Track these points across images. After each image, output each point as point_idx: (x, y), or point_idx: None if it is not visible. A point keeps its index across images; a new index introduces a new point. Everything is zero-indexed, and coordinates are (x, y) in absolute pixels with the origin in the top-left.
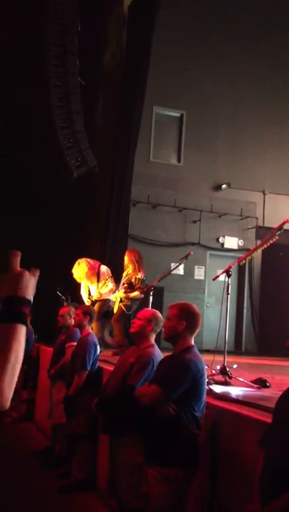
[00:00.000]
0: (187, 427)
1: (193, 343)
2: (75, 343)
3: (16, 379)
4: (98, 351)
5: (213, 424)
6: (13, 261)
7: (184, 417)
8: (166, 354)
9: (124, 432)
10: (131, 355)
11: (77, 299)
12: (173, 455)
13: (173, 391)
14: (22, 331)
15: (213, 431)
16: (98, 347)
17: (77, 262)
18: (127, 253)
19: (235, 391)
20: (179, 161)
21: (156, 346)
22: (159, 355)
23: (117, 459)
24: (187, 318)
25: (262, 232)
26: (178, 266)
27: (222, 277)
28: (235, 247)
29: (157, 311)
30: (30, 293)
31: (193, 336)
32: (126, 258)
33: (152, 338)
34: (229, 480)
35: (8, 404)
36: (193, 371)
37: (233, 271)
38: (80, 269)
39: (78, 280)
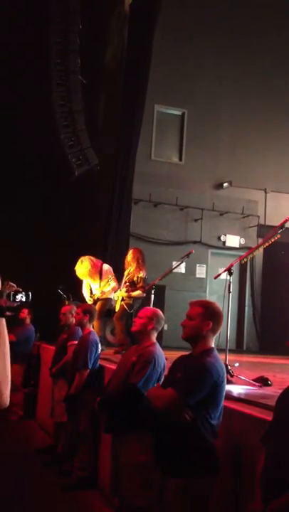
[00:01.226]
0: (203, 436)
1: (213, 344)
2: (76, 342)
3: (9, 373)
4: (100, 350)
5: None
6: None
7: (200, 425)
8: (167, 352)
9: (126, 431)
10: (133, 354)
11: (78, 297)
12: (188, 465)
13: (191, 397)
14: (2, 324)
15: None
16: (100, 345)
17: (80, 260)
18: (131, 251)
19: (236, 389)
20: (180, 159)
21: (157, 345)
22: (160, 353)
23: (119, 458)
24: (213, 318)
25: (263, 230)
26: (179, 264)
27: (223, 276)
28: (237, 246)
29: (158, 310)
30: (2, 286)
31: (215, 336)
32: (129, 256)
33: (154, 337)
34: (232, 478)
35: (7, 401)
36: (214, 376)
37: (235, 269)
38: (83, 267)
39: (81, 277)
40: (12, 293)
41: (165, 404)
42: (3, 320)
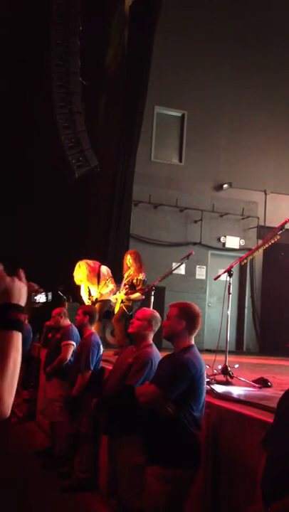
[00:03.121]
0: (186, 427)
1: (193, 342)
2: (71, 341)
3: (15, 386)
4: (101, 351)
5: (214, 424)
6: (1, 269)
7: (182, 418)
8: (166, 354)
9: (124, 433)
10: (129, 355)
11: (78, 299)
12: (172, 455)
13: (171, 391)
14: (18, 338)
15: (215, 430)
16: (101, 347)
17: (77, 265)
18: (129, 254)
19: (236, 391)
20: (180, 160)
21: (154, 346)
22: (157, 355)
23: (117, 459)
24: (187, 318)
25: (263, 231)
26: (179, 266)
27: (223, 277)
28: (237, 247)
29: (156, 311)
30: (23, 300)
31: (193, 336)
32: (128, 260)
33: (150, 338)
34: (231, 480)
35: (9, 411)
36: (191, 371)
37: (235, 270)
38: (80, 272)
39: (79, 283)
40: (32, 293)
41: (148, 399)
42: (20, 335)
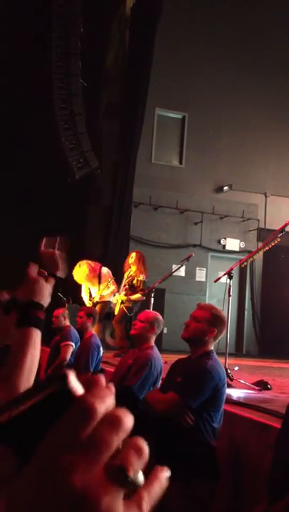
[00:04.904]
0: (206, 439)
1: (212, 348)
2: (70, 342)
3: (31, 383)
4: (101, 353)
5: (240, 438)
6: (30, 268)
7: (202, 428)
8: (166, 356)
9: None
10: (130, 357)
11: (78, 300)
12: (190, 468)
13: (193, 400)
14: (38, 336)
15: (238, 443)
16: (101, 348)
17: (78, 264)
18: (134, 254)
19: (236, 393)
20: (180, 162)
21: (155, 348)
22: (157, 356)
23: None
24: (219, 326)
25: (263, 234)
26: (179, 268)
27: (223, 279)
28: (237, 249)
29: (158, 314)
30: (45, 299)
31: (214, 343)
32: (131, 259)
33: (152, 340)
34: (232, 481)
35: None
36: (215, 379)
37: (235, 273)
38: (80, 271)
39: (79, 282)
40: None
41: (167, 408)
42: (39, 332)
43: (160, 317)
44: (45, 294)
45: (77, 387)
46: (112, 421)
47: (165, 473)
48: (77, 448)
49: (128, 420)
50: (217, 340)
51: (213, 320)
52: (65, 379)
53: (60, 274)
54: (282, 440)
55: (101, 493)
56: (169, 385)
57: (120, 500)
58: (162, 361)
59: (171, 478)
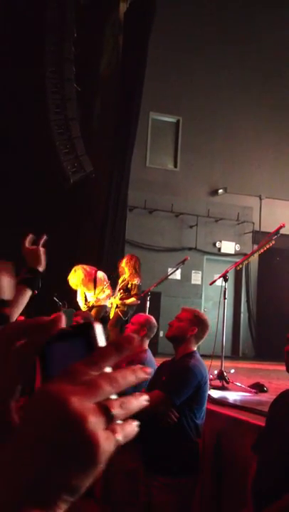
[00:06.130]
0: (188, 435)
1: (195, 348)
2: None
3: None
4: None
5: (219, 433)
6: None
7: (185, 425)
8: (162, 359)
9: None
10: (123, 361)
11: (74, 304)
12: (175, 464)
13: (177, 397)
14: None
15: (218, 438)
16: None
17: (73, 269)
18: (126, 257)
19: (232, 396)
20: (175, 166)
21: (149, 351)
22: (151, 360)
23: (109, 465)
24: (200, 325)
25: (258, 236)
26: (175, 271)
27: (219, 282)
28: (232, 252)
29: (151, 317)
30: (7, 293)
31: (197, 345)
32: (124, 262)
33: (146, 344)
34: (230, 484)
35: None
36: (197, 377)
37: (230, 275)
38: (76, 276)
39: (74, 287)
40: None
41: (152, 406)
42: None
43: (153, 320)
44: (8, 288)
45: (100, 337)
46: (113, 378)
47: (143, 397)
48: (80, 383)
49: (127, 382)
50: (200, 342)
51: (194, 320)
52: (91, 327)
53: (42, 268)
54: (265, 441)
55: (89, 415)
56: (155, 385)
57: (102, 425)
58: (156, 365)
59: (156, 473)
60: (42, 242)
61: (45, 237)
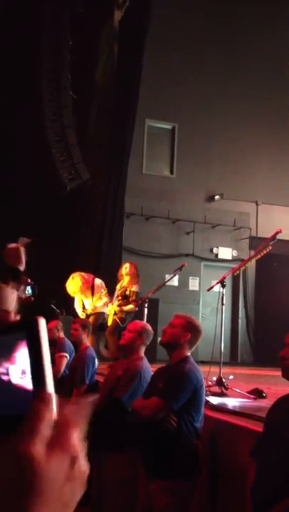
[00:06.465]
0: (188, 438)
1: (189, 354)
2: (65, 354)
3: None
4: (96, 364)
5: (210, 436)
6: None
7: (184, 429)
8: (160, 366)
9: (111, 446)
10: (119, 368)
11: (71, 312)
12: (174, 467)
13: (175, 402)
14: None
15: (211, 442)
16: (96, 360)
17: (71, 277)
18: (127, 265)
19: (231, 402)
20: (171, 172)
21: (145, 359)
22: (147, 368)
23: (103, 473)
24: (192, 331)
25: (255, 242)
26: (172, 277)
27: (216, 288)
28: (229, 258)
29: (147, 324)
30: (11, 306)
31: (191, 350)
32: (124, 269)
33: (142, 351)
34: (228, 490)
35: None
36: (193, 381)
37: (228, 281)
38: (74, 284)
39: (72, 294)
40: (27, 287)
41: (151, 412)
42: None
43: (149, 327)
44: (11, 300)
45: (43, 332)
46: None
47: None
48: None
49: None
50: (192, 348)
51: (187, 326)
52: (36, 323)
53: (22, 267)
54: (263, 447)
55: (38, 454)
56: (151, 392)
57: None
58: (152, 372)
59: (156, 476)
60: (24, 242)
61: (27, 239)
